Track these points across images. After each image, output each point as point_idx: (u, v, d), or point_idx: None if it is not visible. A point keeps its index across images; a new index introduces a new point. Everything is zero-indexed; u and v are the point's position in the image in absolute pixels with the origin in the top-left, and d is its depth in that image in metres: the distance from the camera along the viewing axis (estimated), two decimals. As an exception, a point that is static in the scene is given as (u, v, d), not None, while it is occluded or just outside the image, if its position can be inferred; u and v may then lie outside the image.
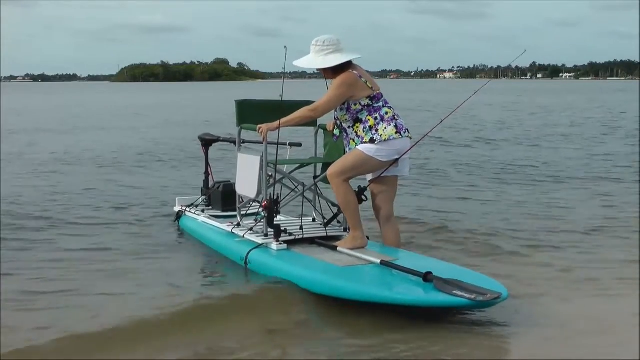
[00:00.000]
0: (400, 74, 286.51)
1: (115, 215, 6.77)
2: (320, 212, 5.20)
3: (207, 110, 29.91)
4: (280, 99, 4.72)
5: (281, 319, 3.87)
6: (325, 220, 5.07)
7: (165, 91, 71.60)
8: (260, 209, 4.82)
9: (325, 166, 5.03)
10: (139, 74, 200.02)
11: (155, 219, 6.62)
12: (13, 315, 3.93)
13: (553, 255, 5.34)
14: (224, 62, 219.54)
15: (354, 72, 4.56)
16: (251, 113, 5.09)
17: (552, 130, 17.70)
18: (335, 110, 4.68)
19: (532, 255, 5.32)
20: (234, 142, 5.34)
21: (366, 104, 4.56)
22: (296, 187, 5.14)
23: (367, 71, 4.75)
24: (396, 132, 4.53)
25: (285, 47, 4.58)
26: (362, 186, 4.75)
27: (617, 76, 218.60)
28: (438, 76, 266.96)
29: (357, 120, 4.59)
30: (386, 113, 4.58)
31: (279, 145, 4.91)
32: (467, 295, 3.63)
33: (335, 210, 5.02)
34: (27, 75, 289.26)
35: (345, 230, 4.96)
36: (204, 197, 6.28)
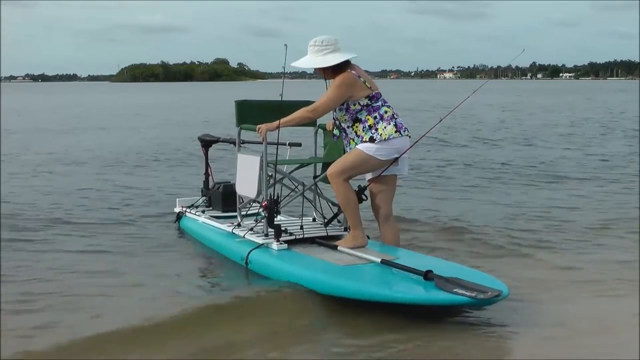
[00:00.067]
0: (400, 74, 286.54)
1: (115, 216, 6.77)
2: (320, 211, 5.21)
3: (207, 110, 29.91)
4: (280, 99, 4.72)
5: (281, 320, 3.87)
6: (326, 220, 5.07)
7: (165, 91, 71.60)
8: (261, 209, 4.82)
9: (325, 166, 5.03)
10: (139, 74, 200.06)
11: (155, 220, 6.62)
12: (13, 317, 3.92)
13: (553, 255, 5.34)
14: (224, 62, 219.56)
15: (353, 72, 4.56)
16: (251, 113, 5.09)
17: (551, 130, 17.70)
18: (334, 111, 4.68)
19: (532, 255, 5.32)
20: (234, 143, 5.34)
21: (365, 103, 4.56)
22: (296, 187, 5.14)
23: (367, 71, 4.76)
24: (396, 131, 4.54)
25: (285, 45, 4.59)
26: (362, 185, 4.76)
27: (617, 76, 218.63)
28: (438, 76, 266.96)
29: (357, 120, 4.59)
30: (385, 112, 4.58)
31: (279, 145, 4.91)
32: (468, 293, 3.63)
33: (335, 209, 5.02)
34: (27, 75, 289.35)
35: (345, 229, 4.96)
36: (204, 197, 6.28)
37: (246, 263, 4.70)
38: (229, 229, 5.20)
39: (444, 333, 3.68)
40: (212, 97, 49.88)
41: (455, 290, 3.68)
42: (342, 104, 4.59)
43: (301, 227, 4.94)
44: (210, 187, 6.29)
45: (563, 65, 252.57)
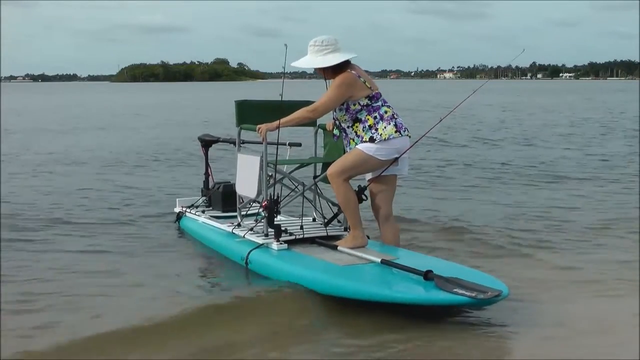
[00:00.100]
0: (400, 74, 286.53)
1: (115, 216, 6.76)
2: (320, 211, 5.21)
3: (207, 110, 29.91)
4: (280, 99, 4.72)
5: (281, 320, 3.87)
6: (326, 220, 5.07)
7: (165, 91, 71.60)
8: (261, 209, 4.83)
9: (325, 166, 5.04)
10: (139, 74, 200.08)
11: (155, 220, 6.62)
12: (13, 317, 3.92)
13: (553, 255, 5.34)
14: (224, 62, 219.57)
15: (353, 72, 4.57)
16: (251, 113, 5.09)
17: (551, 130, 17.71)
18: (334, 111, 4.68)
19: (532, 255, 5.32)
20: (234, 143, 5.34)
21: (365, 103, 4.57)
22: (296, 187, 5.14)
23: (367, 71, 4.76)
24: (396, 131, 4.54)
25: (285, 45, 4.59)
26: (362, 185, 4.76)
27: (617, 76, 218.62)
28: (438, 76, 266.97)
29: (356, 120, 4.59)
30: (385, 112, 4.58)
31: (279, 145, 4.92)
32: (468, 293, 3.63)
33: (335, 209, 5.03)
34: (27, 75, 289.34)
35: (345, 229, 4.96)
36: (204, 197, 6.28)
37: (246, 263, 4.70)
38: (229, 229, 5.20)
39: (443, 333, 3.68)
40: (212, 97, 49.89)
41: (455, 290, 3.68)
42: (342, 104, 4.59)
43: (301, 227, 4.94)
44: (210, 187, 6.29)
45: (563, 65, 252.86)
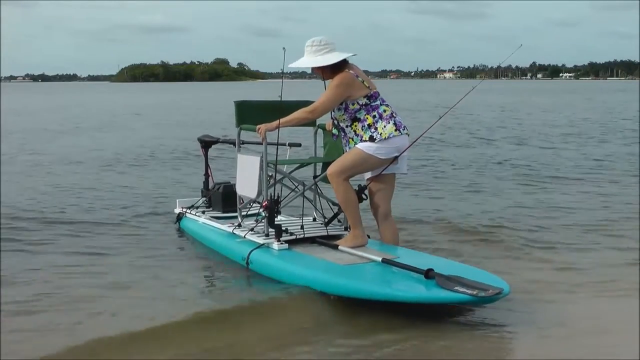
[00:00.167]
0: (400, 74, 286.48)
1: (115, 217, 6.75)
2: (320, 211, 5.21)
3: (207, 110, 29.90)
4: (279, 99, 4.73)
5: (280, 320, 3.87)
6: (326, 220, 5.08)
7: (165, 91, 71.59)
8: (261, 209, 4.83)
9: (325, 165, 5.04)
10: (139, 74, 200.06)
11: (155, 221, 6.61)
12: (12, 319, 3.91)
13: (553, 255, 5.34)
14: (224, 62, 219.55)
15: (351, 71, 4.57)
16: (250, 114, 5.10)
17: (550, 130, 17.71)
18: (333, 111, 4.69)
19: (532, 255, 5.33)
20: (234, 143, 5.34)
21: (364, 103, 4.57)
22: (296, 187, 5.15)
23: (367, 71, 4.77)
24: (395, 130, 4.55)
25: (284, 48, 4.60)
26: (362, 185, 4.76)
27: (617, 76, 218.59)
28: (438, 76, 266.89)
29: (355, 120, 4.60)
30: (384, 111, 4.59)
31: (279, 146, 4.92)
32: (469, 292, 3.64)
33: (335, 209, 5.03)
34: (27, 75, 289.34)
35: (345, 229, 4.97)
36: (204, 198, 6.28)
37: (247, 263, 4.71)
38: (230, 230, 5.20)
39: (442, 333, 3.69)
40: (212, 97, 49.88)
41: (456, 288, 3.69)
42: (341, 104, 4.60)
43: (302, 227, 4.95)
44: (210, 187, 6.29)
45: (563, 65, 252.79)
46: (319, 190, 5.24)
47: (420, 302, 3.77)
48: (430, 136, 14.27)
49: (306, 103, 4.90)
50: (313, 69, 4.71)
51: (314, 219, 5.31)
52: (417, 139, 4.78)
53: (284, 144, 5.27)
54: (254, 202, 5.07)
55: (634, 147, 13.33)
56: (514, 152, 12.57)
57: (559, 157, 11.85)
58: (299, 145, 5.70)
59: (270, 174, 4.85)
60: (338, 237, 4.86)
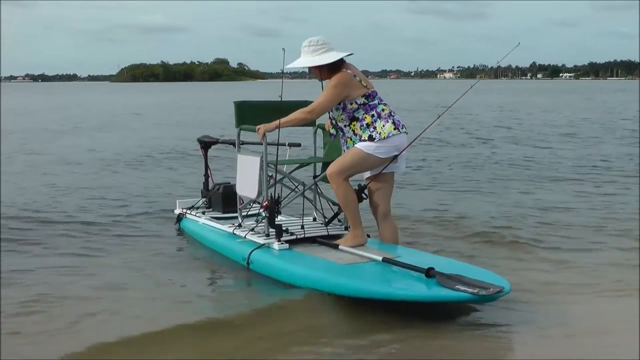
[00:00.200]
0: (400, 74, 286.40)
1: (113, 218, 6.71)
2: (320, 211, 5.22)
3: (207, 110, 29.90)
4: (279, 99, 4.73)
5: (279, 320, 3.87)
6: (326, 219, 5.08)
7: (165, 91, 71.59)
8: (261, 210, 4.83)
9: (325, 165, 5.05)
10: (139, 74, 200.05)
11: (155, 222, 6.60)
12: (12, 320, 3.91)
13: (552, 254, 5.34)
14: (224, 62, 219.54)
15: (348, 71, 4.58)
16: (250, 114, 5.10)
17: (550, 130, 17.71)
18: (331, 110, 4.69)
19: (532, 255, 5.33)
20: (233, 144, 5.35)
21: (362, 102, 4.58)
22: (296, 187, 5.15)
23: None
24: (394, 129, 4.55)
25: (283, 49, 4.61)
26: (361, 184, 4.77)
27: (617, 76, 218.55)
28: (438, 76, 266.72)
29: (354, 119, 4.60)
30: (382, 110, 4.60)
31: (279, 146, 4.92)
32: (470, 290, 3.64)
33: (335, 209, 5.03)
34: (27, 75, 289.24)
35: (346, 228, 4.97)
36: (204, 199, 6.28)
37: (247, 263, 4.71)
38: (230, 230, 5.20)
39: (441, 332, 3.69)
40: (212, 97, 49.87)
41: (457, 287, 3.69)
42: (339, 104, 4.60)
43: (302, 227, 4.95)
44: (210, 188, 6.29)
45: (563, 65, 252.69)
46: (319, 190, 5.24)
47: (421, 300, 3.77)
48: (430, 136, 14.29)
49: (305, 103, 4.91)
50: (310, 69, 4.71)
51: (314, 219, 5.31)
52: (415, 138, 4.79)
53: (283, 144, 5.27)
54: (254, 202, 5.07)
55: (633, 147, 13.33)
56: (513, 152, 12.56)
57: (558, 157, 11.85)
58: (299, 145, 5.71)
59: (270, 174, 4.86)
60: (338, 236, 4.86)
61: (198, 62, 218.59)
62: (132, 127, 19.81)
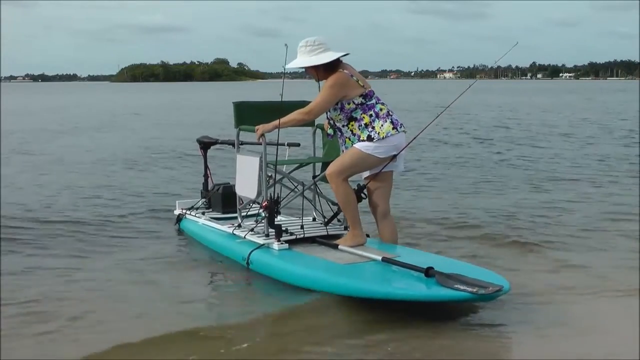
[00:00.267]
0: (400, 74, 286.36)
1: (112, 219, 6.69)
2: (320, 211, 5.22)
3: (207, 110, 29.90)
4: (280, 99, 4.73)
5: (279, 321, 3.87)
6: (326, 219, 5.08)
7: (165, 91, 71.61)
8: (261, 210, 4.83)
9: (325, 165, 5.05)
10: (139, 74, 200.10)
11: (155, 222, 6.60)
12: (14, 322, 3.90)
13: (552, 254, 5.34)
14: (224, 62, 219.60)
15: (345, 71, 4.57)
16: (249, 114, 5.10)
17: (549, 130, 17.71)
18: (329, 111, 4.69)
19: (531, 255, 5.33)
20: (233, 144, 5.35)
21: (359, 102, 4.57)
22: (296, 187, 5.15)
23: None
24: (393, 128, 4.55)
25: (286, 45, 4.59)
26: (360, 184, 4.77)
27: (617, 76, 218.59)
28: (438, 76, 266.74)
29: (352, 119, 4.60)
30: (380, 110, 4.60)
31: (278, 146, 4.92)
32: (469, 289, 3.64)
33: (335, 209, 5.03)
34: (27, 75, 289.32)
35: (345, 228, 4.97)
36: (204, 199, 6.28)
37: (247, 264, 4.71)
38: (230, 230, 5.20)
39: (442, 332, 3.68)
40: (212, 97, 49.87)
41: (456, 286, 3.69)
42: (337, 104, 4.60)
43: (301, 227, 4.95)
44: (209, 188, 6.29)
45: (563, 65, 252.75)
46: (318, 190, 5.24)
47: (420, 300, 3.77)
48: (430, 136, 14.30)
49: (305, 103, 4.90)
50: (307, 69, 4.71)
51: (314, 219, 5.31)
52: (414, 138, 4.79)
53: (283, 144, 5.28)
54: (254, 202, 5.07)
55: (633, 147, 13.33)
56: (513, 152, 12.57)
57: (558, 157, 11.85)
58: (298, 145, 5.71)
59: (269, 174, 4.86)
60: (338, 236, 4.86)
61: (198, 62, 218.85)
62: (131, 127, 19.81)
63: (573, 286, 4.52)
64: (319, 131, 5.32)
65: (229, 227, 5.28)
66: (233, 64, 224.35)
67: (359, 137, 4.56)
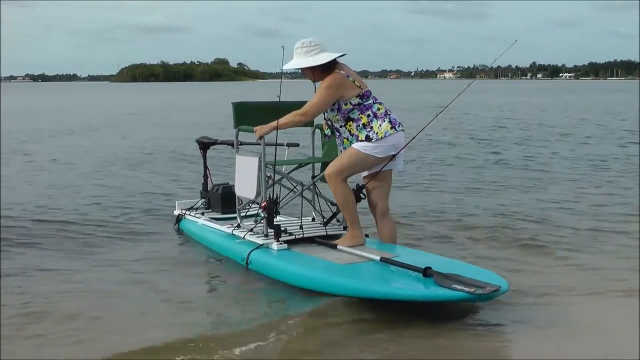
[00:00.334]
0: (400, 74, 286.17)
1: (111, 219, 6.68)
2: (319, 211, 5.22)
3: (207, 110, 29.89)
4: (278, 99, 4.73)
5: (279, 322, 3.86)
6: (325, 220, 5.08)
7: (165, 91, 71.62)
8: (260, 210, 4.83)
9: (324, 165, 5.05)
10: (139, 74, 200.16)
11: (154, 222, 6.59)
12: (14, 323, 3.89)
13: (552, 254, 5.34)
14: (224, 62, 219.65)
15: (341, 72, 4.57)
16: (248, 115, 5.10)
17: (549, 130, 17.71)
18: (326, 111, 4.68)
19: (531, 254, 5.32)
20: (232, 145, 5.34)
21: (357, 102, 4.57)
22: (295, 187, 5.15)
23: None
24: (391, 128, 4.55)
25: (282, 47, 4.60)
26: (359, 184, 4.76)
27: (617, 76, 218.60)
28: (438, 76, 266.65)
29: (349, 119, 4.60)
30: (378, 109, 4.59)
31: (277, 146, 4.92)
32: (467, 289, 3.64)
33: (334, 209, 5.03)
34: (27, 75, 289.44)
35: (344, 228, 4.97)
36: (203, 199, 6.28)
37: (247, 264, 4.71)
38: (229, 230, 5.20)
39: (441, 332, 3.68)
40: (212, 97, 49.86)
41: (454, 286, 3.69)
42: (334, 105, 4.60)
43: (301, 227, 4.95)
44: (209, 189, 6.29)
45: (563, 65, 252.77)
46: (317, 190, 5.24)
47: (418, 300, 3.77)
48: (430, 136, 14.31)
49: (303, 104, 4.90)
50: (303, 70, 4.70)
51: (313, 219, 5.31)
52: (412, 138, 4.78)
53: (282, 145, 5.28)
54: (253, 202, 5.07)
55: (633, 147, 13.32)
56: (512, 152, 12.56)
57: (558, 157, 11.85)
58: (297, 145, 5.71)
59: (268, 175, 4.85)
60: (337, 236, 4.86)
61: (198, 62, 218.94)
62: (131, 127, 19.81)
63: (573, 286, 4.52)
64: (318, 131, 5.32)
65: (228, 227, 5.28)
66: (233, 64, 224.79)
67: (357, 137, 4.56)
